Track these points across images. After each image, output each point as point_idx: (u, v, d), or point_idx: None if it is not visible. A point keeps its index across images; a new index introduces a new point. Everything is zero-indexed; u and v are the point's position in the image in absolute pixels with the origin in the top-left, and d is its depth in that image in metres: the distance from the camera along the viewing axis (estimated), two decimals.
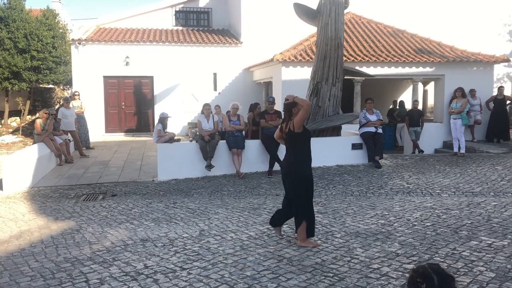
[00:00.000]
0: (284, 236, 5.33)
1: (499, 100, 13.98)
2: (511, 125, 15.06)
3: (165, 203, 7.52)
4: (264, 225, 5.87)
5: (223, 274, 4.23)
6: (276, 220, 5.25)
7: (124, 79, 17.50)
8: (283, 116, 5.29)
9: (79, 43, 16.67)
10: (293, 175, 5.01)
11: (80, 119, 13.55)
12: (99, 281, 4.17)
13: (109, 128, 17.53)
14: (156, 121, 13.88)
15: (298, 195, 4.98)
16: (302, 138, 4.99)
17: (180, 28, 19.56)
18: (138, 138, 16.57)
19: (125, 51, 17.00)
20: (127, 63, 17.07)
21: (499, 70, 17.41)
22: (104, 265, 4.57)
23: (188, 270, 4.36)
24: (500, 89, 14.24)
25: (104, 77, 17.19)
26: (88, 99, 15.74)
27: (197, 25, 20.03)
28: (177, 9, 19.76)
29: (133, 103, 17.76)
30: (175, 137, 10.21)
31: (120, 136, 17.22)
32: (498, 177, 8.60)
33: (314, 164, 10.32)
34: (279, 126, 5.25)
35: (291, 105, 4.97)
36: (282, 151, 9.96)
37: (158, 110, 15.93)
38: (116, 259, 4.76)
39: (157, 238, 5.45)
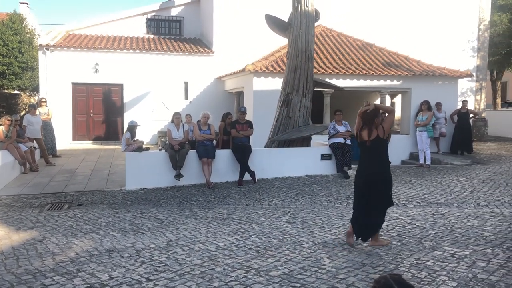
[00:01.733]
0: (253, 246, 5.33)
1: (463, 114, 14.42)
2: (474, 137, 15.55)
3: (133, 213, 7.40)
4: (233, 235, 5.85)
5: (190, 285, 4.19)
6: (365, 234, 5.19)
7: (93, 86, 17.21)
8: (358, 123, 5.21)
9: (47, 49, 16.32)
10: (387, 180, 5.20)
11: (47, 126, 13.23)
12: None
13: (76, 136, 17.17)
14: (125, 129, 13.71)
15: (389, 197, 5.23)
16: (387, 143, 5.19)
17: (152, 36, 19.44)
18: (107, 147, 16.28)
19: (94, 58, 16.75)
20: (96, 70, 16.81)
21: (463, 84, 18.00)
22: (67, 277, 4.45)
23: (154, 281, 4.30)
24: (464, 103, 14.71)
25: (73, 83, 16.87)
26: (55, 106, 15.42)
27: (169, 33, 19.95)
28: (149, 17, 19.65)
29: (102, 111, 17.47)
30: (144, 146, 10.09)
31: (88, 144, 16.89)
32: (462, 188, 8.85)
33: (284, 174, 10.49)
34: (356, 134, 5.27)
35: (374, 114, 5.07)
36: (252, 161, 10.03)
37: (128, 118, 15.74)
38: (80, 270, 4.65)
39: (124, 249, 5.36)
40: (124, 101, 17.36)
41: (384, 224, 6.22)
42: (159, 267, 4.70)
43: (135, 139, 10.30)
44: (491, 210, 7.08)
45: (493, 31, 20.50)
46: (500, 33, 20.80)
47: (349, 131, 11.12)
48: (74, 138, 17.06)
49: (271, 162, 10.46)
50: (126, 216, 7.13)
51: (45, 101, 13.76)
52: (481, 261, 4.65)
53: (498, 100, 24.49)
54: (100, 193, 9.21)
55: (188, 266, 4.71)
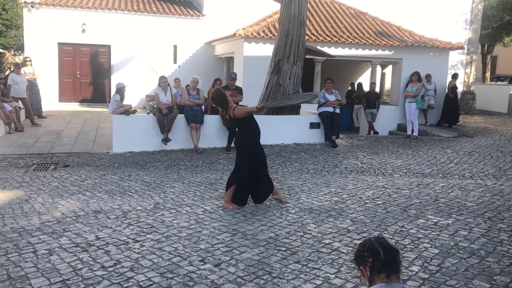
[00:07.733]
0: (240, 211, 5.37)
1: (453, 86, 14.45)
2: (461, 110, 15.64)
3: (120, 175, 7.37)
4: (220, 199, 5.87)
5: (177, 246, 4.22)
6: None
7: (80, 47, 16.81)
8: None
9: (32, 6, 15.81)
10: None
11: (32, 87, 12.98)
12: (47, 251, 4.06)
13: (63, 97, 16.88)
14: (112, 91, 13.49)
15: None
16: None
17: None
18: (93, 109, 16.07)
19: (82, 18, 16.29)
20: (83, 30, 16.38)
21: (453, 57, 17.95)
22: (53, 236, 4.45)
23: (141, 242, 4.32)
24: (455, 75, 14.71)
25: (59, 43, 16.46)
26: (41, 66, 15.05)
27: None
28: None
29: (89, 72, 17.14)
30: (131, 109, 9.95)
31: (74, 106, 16.64)
32: (447, 159, 8.96)
33: (272, 141, 10.49)
34: None
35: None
36: None
37: (115, 80, 15.48)
38: (66, 230, 4.65)
39: (110, 210, 5.35)
40: (112, 63, 17.04)
41: (370, 192, 6.31)
42: (145, 228, 4.72)
43: (123, 102, 10.13)
44: (475, 181, 7.19)
45: (487, 4, 20.33)
46: (494, 6, 20.65)
47: (339, 100, 11.10)
48: (60, 100, 16.78)
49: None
50: (113, 179, 7.10)
51: (30, 61, 13.43)
52: (463, 230, 4.75)
53: (488, 74, 24.52)
54: (87, 155, 9.14)
55: (175, 228, 4.73)
